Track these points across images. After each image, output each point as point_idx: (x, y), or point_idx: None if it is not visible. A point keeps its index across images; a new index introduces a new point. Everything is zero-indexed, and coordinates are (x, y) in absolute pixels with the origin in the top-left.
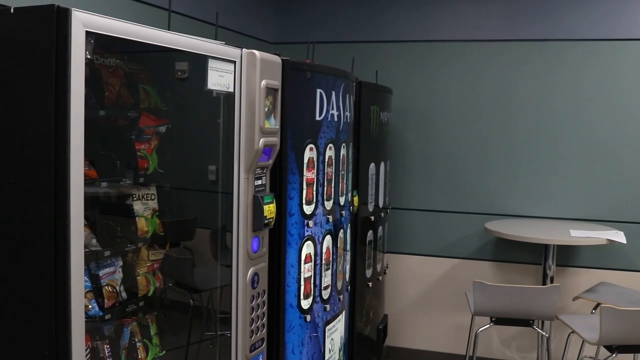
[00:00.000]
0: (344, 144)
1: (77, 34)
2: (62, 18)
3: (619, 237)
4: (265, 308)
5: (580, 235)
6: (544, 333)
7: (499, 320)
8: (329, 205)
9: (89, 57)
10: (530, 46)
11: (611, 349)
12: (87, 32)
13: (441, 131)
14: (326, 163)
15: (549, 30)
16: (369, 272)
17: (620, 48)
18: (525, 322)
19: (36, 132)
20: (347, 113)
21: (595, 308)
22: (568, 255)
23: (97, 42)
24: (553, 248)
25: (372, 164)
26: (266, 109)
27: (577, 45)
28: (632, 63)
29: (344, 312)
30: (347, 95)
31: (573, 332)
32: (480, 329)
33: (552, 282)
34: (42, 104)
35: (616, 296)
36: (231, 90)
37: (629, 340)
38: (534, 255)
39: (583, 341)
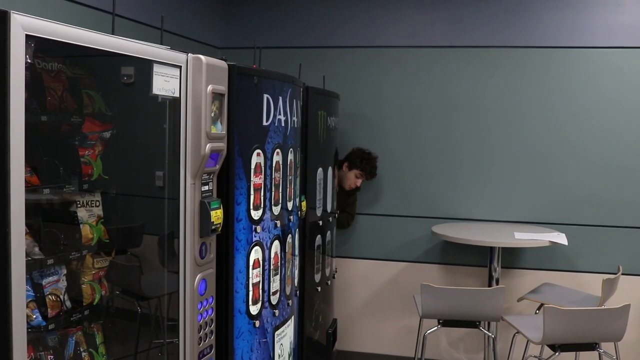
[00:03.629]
0: (291, 149)
1: (16, 38)
2: (0, 21)
3: (561, 239)
4: (213, 314)
5: (524, 237)
6: (490, 334)
7: (447, 322)
8: (276, 210)
9: (29, 61)
10: (470, 52)
11: (554, 347)
12: (27, 35)
13: (387, 136)
14: (274, 168)
15: (488, 37)
16: (317, 277)
17: (554, 55)
18: (472, 324)
19: None
20: (295, 118)
21: (539, 308)
22: (512, 257)
23: (38, 46)
24: (498, 250)
25: (320, 169)
26: (212, 114)
27: (512, 52)
28: (564, 70)
29: (293, 317)
30: (295, 100)
31: (518, 332)
32: (429, 331)
33: (497, 283)
34: None
35: (559, 296)
36: (177, 95)
37: (571, 339)
38: (479, 258)
39: (528, 341)
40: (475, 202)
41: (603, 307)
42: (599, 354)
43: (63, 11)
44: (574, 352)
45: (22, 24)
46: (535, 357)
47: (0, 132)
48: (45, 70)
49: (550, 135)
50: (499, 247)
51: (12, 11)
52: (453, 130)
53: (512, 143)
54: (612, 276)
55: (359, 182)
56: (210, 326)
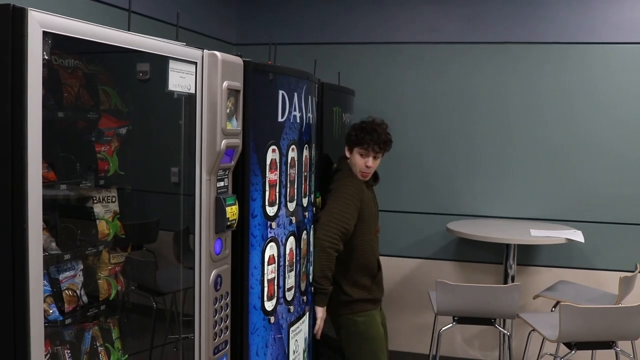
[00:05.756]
0: (306, 146)
1: (33, 35)
2: (18, 18)
3: (577, 236)
4: (228, 310)
5: (540, 234)
6: (505, 331)
7: (462, 320)
8: (292, 206)
9: (46, 57)
10: (489, 49)
11: (570, 345)
12: (44, 32)
13: (403, 132)
14: (289, 164)
15: (506, 33)
16: None
17: (573, 51)
18: (487, 321)
19: None
20: (310, 114)
21: (555, 306)
22: (528, 255)
23: (55, 42)
24: (514, 247)
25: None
26: (228, 111)
27: (531, 48)
28: (584, 66)
29: (308, 314)
30: (310, 96)
31: (534, 330)
32: (443, 328)
33: (513, 281)
34: None
35: (575, 294)
36: (192, 91)
37: (588, 336)
38: (495, 255)
39: (543, 339)
40: (491, 199)
41: (620, 305)
42: (616, 352)
43: (79, 8)
44: (591, 351)
45: (39, 21)
46: (551, 355)
47: (18, 128)
48: (61, 66)
49: (568, 132)
50: (514, 244)
51: (29, 8)
52: (470, 127)
53: (529, 139)
54: (630, 274)
55: (369, 161)
56: (226, 322)
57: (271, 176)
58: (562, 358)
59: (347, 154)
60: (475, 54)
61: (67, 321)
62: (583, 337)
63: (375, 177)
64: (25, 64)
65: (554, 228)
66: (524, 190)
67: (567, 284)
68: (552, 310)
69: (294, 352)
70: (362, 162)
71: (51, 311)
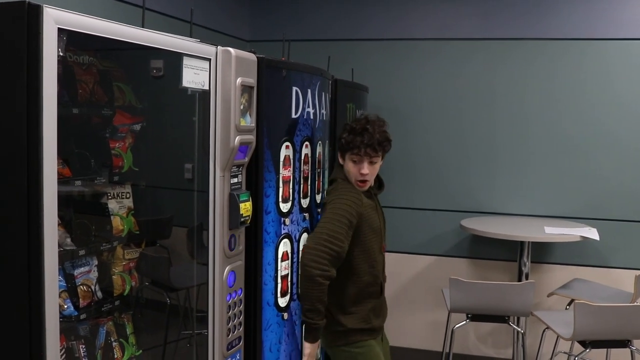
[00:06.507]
0: (320, 142)
1: (49, 31)
2: (33, 15)
3: (592, 234)
4: (242, 306)
5: (555, 232)
6: (519, 329)
7: (475, 317)
8: (305, 203)
9: (61, 54)
10: (505, 45)
11: (585, 344)
12: (59, 29)
13: (417, 129)
14: (302, 161)
15: (522, 30)
16: None
17: (590, 48)
18: (501, 319)
19: (8, 130)
20: (323, 111)
21: (569, 304)
22: (542, 252)
23: (70, 39)
24: (528, 245)
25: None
26: (242, 107)
27: (549, 44)
28: (601, 62)
29: None
30: (323, 93)
31: (548, 327)
32: (457, 326)
33: (527, 278)
34: (13, 102)
35: (590, 292)
36: (206, 88)
37: (602, 335)
38: (509, 252)
39: (557, 337)
40: (505, 196)
41: (635, 303)
42: (631, 351)
43: (94, 5)
44: (605, 349)
45: (54, 18)
46: (565, 353)
47: (34, 124)
48: (76, 63)
49: (584, 129)
50: (528, 242)
51: (44, 5)
52: (484, 124)
53: (544, 136)
54: None
55: (364, 168)
56: (239, 318)
57: (285, 172)
58: (576, 356)
59: (340, 161)
60: (490, 50)
61: (82, 316)
62: (598, 336)
63: (380, 183)
64: (40, 61)
65: (568, 225)
66: (538, 187)
67: (582, 281)
68: (566, 308)
69: None
70: (356, 170)
71: (66, 306)
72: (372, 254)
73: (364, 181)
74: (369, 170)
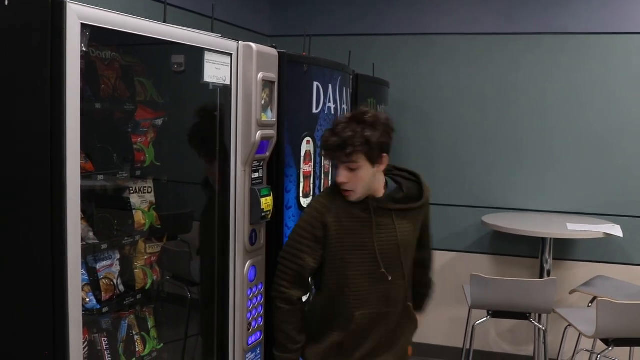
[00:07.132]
0: None
1: (72, 27)
2: (57, 10)
3: (616, 230)
4: (262, 300)
5: (577, 228)
6: (540, 326)
7: (496, 314)
8: None
9: (84, 49)
10: (527, 40)
11: (607, 342)
12: (82, 24)
13: (439, 124)
14: (323, 156)
15: (545, 24)
16: None
17: (614, 41)
18: (522, 316)
19: (32, 126)
20: (344, 106)
21: (591, 301)
22: (565, 249)
23: (93, 34)
24: (550, 241)
25: None
26: (263, 102)
27: (572, 38)
28: (625, 57)
29: None
30: (344, 88)
31: (570, 325)
32: (478, 322)
33: (549, 275)
34: (37, 97)
35: (613, 290)
36: (228, 83)
37: (626, 333)
38: (531, 249)
39: (580, 334)
40: (527, 192)
41: None
42: None
43: (116, 0)
44: (629, 347)
45: (77, 13)
46: (587, 351)
47: (57, 119)
48: (99, 58)
49: (607, 124)
50: (550, 238)
51: (68, 1)
52: (507, 120)
53: (567, 132)
54: None
55: (339, 175)
56: (260, 312)
57: (305, 168)
58: (599, 354)
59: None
60: (512, 45)
61: (104, 309)
62: (621, 334)
63: (409, 194)
64: (64, 56)
65: (591, 222)
66: (561, 183)
67: (605, 279)
68: (588, 306)
69: None
70: (337, 176)
71: (88, 299)
72: (343, 274)
73: (347, 191)
74: (346, 179)
